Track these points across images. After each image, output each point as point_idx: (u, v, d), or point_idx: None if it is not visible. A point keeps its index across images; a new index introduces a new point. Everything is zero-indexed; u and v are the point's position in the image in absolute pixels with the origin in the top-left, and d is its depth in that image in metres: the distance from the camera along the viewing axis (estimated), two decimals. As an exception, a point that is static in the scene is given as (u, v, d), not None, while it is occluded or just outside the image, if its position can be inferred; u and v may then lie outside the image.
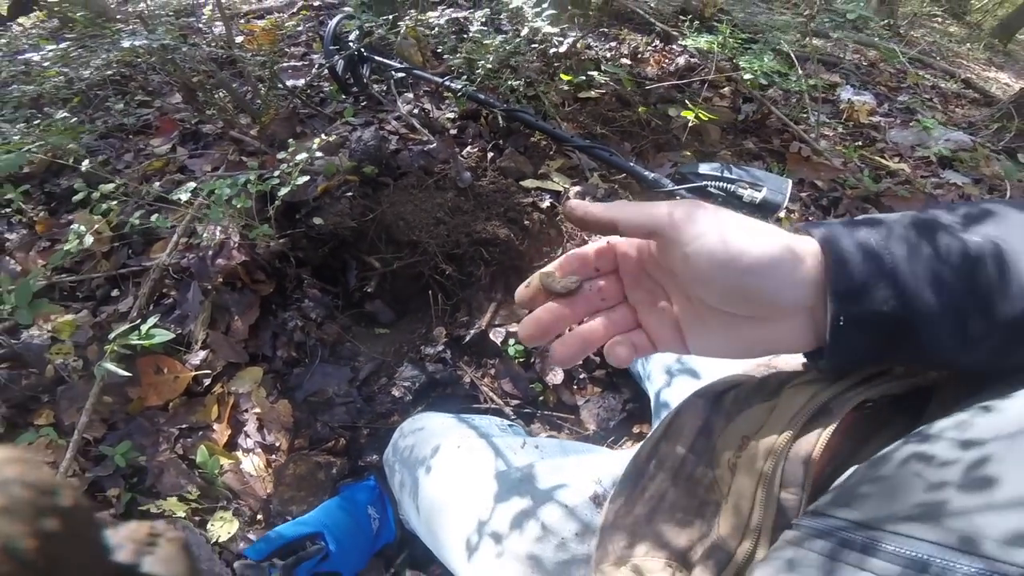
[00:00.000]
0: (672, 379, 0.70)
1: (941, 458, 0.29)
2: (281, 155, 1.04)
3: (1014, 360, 0.31)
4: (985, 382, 0.37)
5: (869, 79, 2.06)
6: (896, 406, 0.40)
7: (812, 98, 1.55)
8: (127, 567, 0.16)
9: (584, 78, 1.41)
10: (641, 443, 0.53)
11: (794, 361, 0.50)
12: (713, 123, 1.54)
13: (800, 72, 1.48)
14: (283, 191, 0.97)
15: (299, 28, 2.07)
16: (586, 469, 0.60)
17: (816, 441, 0.37)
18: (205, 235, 1.09)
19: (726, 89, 1.73)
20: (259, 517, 0.94)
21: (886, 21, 2.58)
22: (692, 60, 1.81)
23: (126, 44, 1.28)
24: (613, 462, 0.60)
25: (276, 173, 1.01)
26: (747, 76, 1.32)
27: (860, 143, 1.70)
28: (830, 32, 1.78)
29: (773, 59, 1.47)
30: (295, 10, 2.24)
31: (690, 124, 1.37)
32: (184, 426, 1.00)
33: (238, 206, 0.93)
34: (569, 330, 0.40)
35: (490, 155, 1.41)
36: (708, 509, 0.42)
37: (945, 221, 0.33)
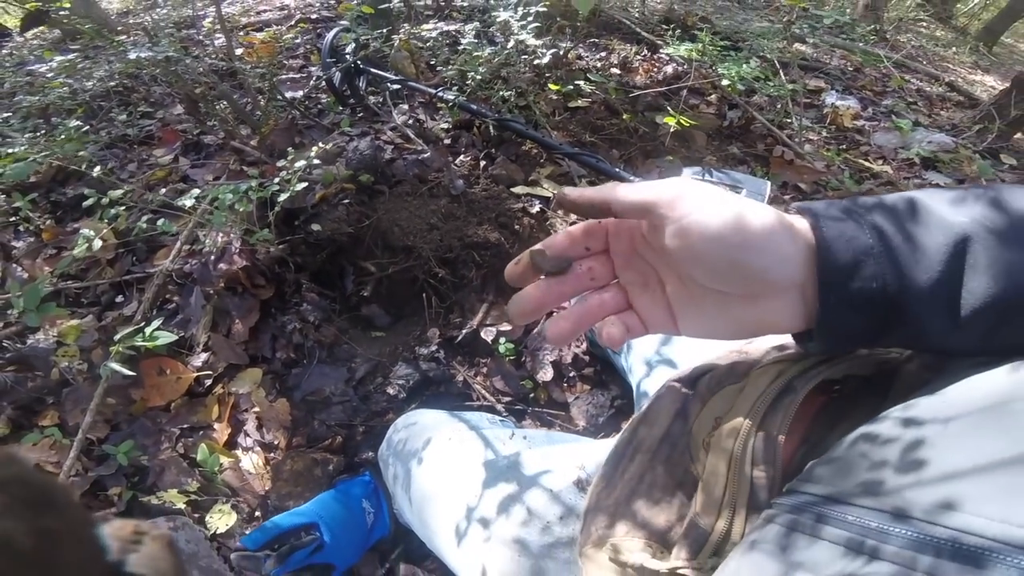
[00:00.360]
0: (652, 370, 0.73)
1: (884, 438, 0.31)
2: (281, 163, 1.08)
3: (1004, 341, 0.32)
4: (945, 366, 0.39)
5: (854, 84, 2.11)
6: (865, 389, 0.42)
7: (795, 103, 1.59)
8: (114, 565, 0.16)
9: (572, 87, 1.45)
10: (623, 429, 0.55)
11: (765, 346, 0.52)
12: (699, 129, 1.58)
13: (783, 78, 1.53)
14: (283, 197, 1.01)
15: (297, 41, 2.11)
16: (571, 456, 0.62)
17: (781, 418, 0.39)
18: (208, 241, 1.13)
19: (712, 96, 1.77)
20: (257, 513, 0.96)
21: (872, 26, 2.63)
22: (680, 69, 1.85)
23: (132, 56, 1.33)
24: (597, 449, 0.62)
25: (276, 180, 1.05)
26: (725, 82, 1.37)
27: (844, 146, 1.74)
28: (807, 37, 1.82)
29: (758, 66, 1.52)
30: (293, 23, 2.29)
31: (674, 130, 1.42)
32: (185, 426, 1.03)
33: (240, 210, 0.96)
34: (558, 310, 0.40)
35: (482, 163, 1.45)
36: (686, 490, 0.44)
37: (931, 202, 0.33)
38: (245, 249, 1.12)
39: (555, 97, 1.57)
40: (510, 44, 1.34)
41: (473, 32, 1.52)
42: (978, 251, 0.31)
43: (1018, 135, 1.89)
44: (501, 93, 1.47)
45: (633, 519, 0.45)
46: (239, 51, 1.85)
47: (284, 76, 1.85)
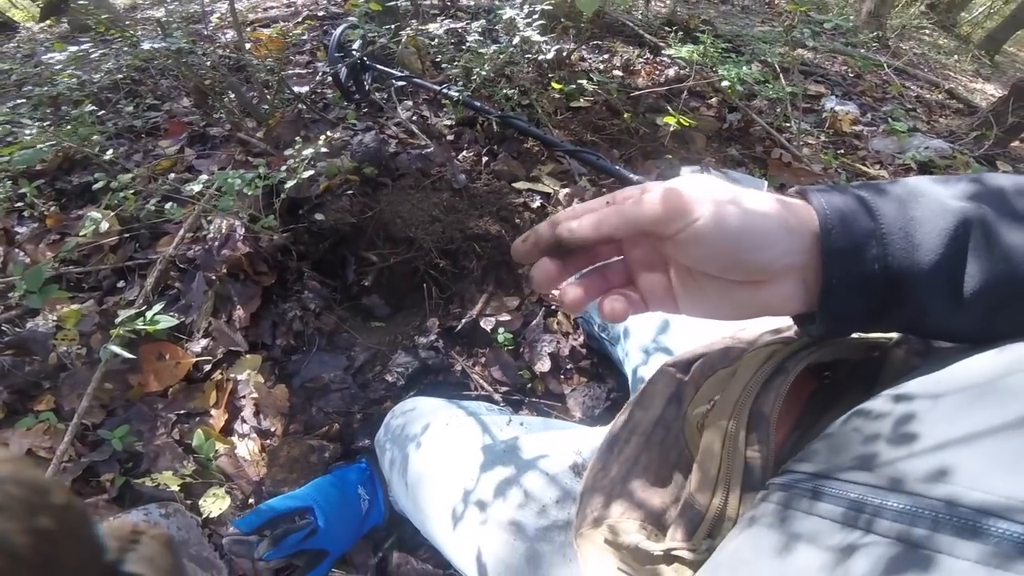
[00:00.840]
0: (648, 357, 0.73)
1: (876, 413, 0.32)
2: (288, 152, 1.09)
3: (1002, 326, 0.32)
4: (932, 352, 0.40)
5: (853, 90, 2.13)
6: (854, 377, 0.43)
7: (794, 106, 1.61)
8: (112, 565, 0.16)
9: (574, 87, 1.47)
10: (619, 413, 0.55)
11: (758, 331, 0.52)
12: (699, 131, 1.60)
13: (783, 82, 1.54)
14: (289, 184, 1.02)
15: (304, 37, 2.13)
16: (568, 441, 0.63)
17: (773, 398, 0.39)
18: (212, 227, 1.14)
19: (713, 99, 1.79)
20: (251, 500, 0.96)
21: (875, 33, 2.65)
22: (682, 72, 1.87)
23: (146, 46, 1.35)
24: (593, 436, 0.62)
25: (283, 168, 1.06)
26: (724, 84, 1.38)
27: (842, 151, 1.75)
28: (807, 41, 1.84)
29: (758, 70, 1.53)
30: (300, 20, 2.31)
31: (674, 131, 1.43)
32: (182, 411, 1.03)
33: (249, 193, 0.97)
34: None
35: (484, 159, 1.46)
36: (681, 473, 0.44)
37: (929, 187, 0.34)
38: (249, 236, 1.13)
39: (557, 96, 1.58)
40: (515, 41, 1.36)
41: (479, 30, 1.54)
42: (978, 234, 0.31)
43: (1015, 143, 1.91)
44: (504, 91, 1.49)
45: (629, 499, 0.45)
46: (247, 46, 1.87)
47: (291, 71, 1.87)
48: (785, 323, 0.52)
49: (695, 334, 0.68)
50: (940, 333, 0.36)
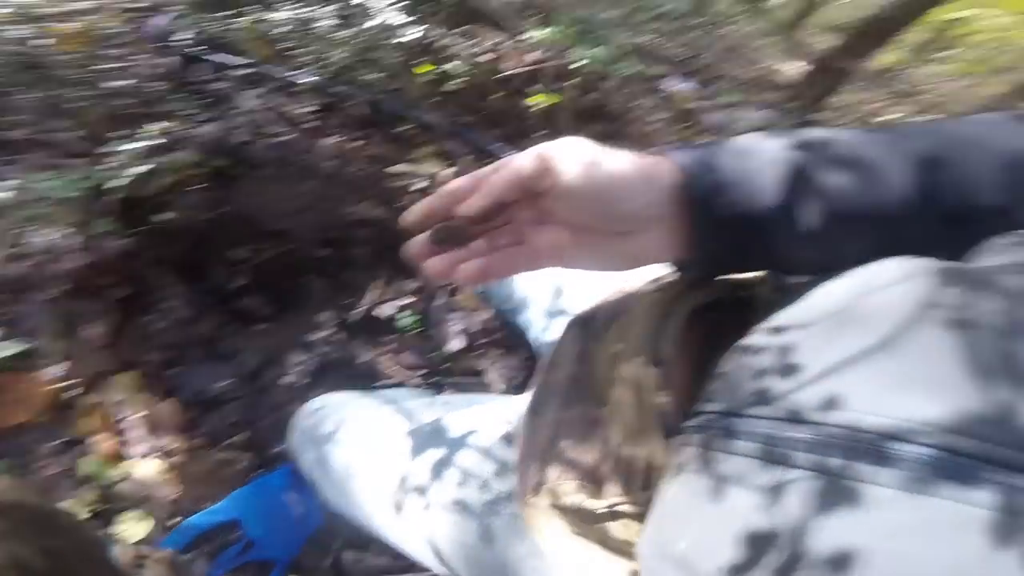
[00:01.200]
0: (550, 321, 0.76)
1: (756, 347, 0.34)
2: (111, 149, 0.97)
3: (848, 254, 0.35)
4: (789, 286, 0.44)
5: (690, 70, 2.39)
6: (732, 316, 0.45)
7: (645, 87, 1.77)
8: None
9: (441, 70, 1.48)
10: (533, 378, 0.58)
11: (640, 283, 0.56)
12: (564, 110, 1.70)
13: (631, 62, 1.70)
14: (113, 184, 0.91)
15: (124, 30, 1.85)
16: (494, 413, 0.64)
17: (666, 342, 0.42)
18: (36, 239, 0.99)
19: (575, 80, 1.91)
20: (177, 518, 0.86)
21: (704, 18, 2.94)
22: (547, 54, 1.96)
23: None
24: (519, 404, 0.62)
25: (104, 167, 0.94)
26: (582, 62, 1.49)
27: (685, 125, 1.98)
28: (648, 24, 2.04)
29: (612, 51, 1.67)
30: (114, 12, 1.99)
31: (542, 110, 1.51)
32: (63, 440, 0.89)
33: (70, 196, 0.86)
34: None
35: (356, 143, 1.41)
36: (603, 427, 0.45)
37: (763, 142, 0.39)
38: (89, 245, 0.99)
39: (428, 80, 1.58)
40: (370, 23, 1.33)
41: (332, 14, 1.47)
42: (803, 179, 0.37)
43: (825, 111, 2.28)
44: (368, 76, 1.44)
45: (561, 460, 0.46)
46: (47, 41, 1.59)
47: (108, 66, 1.62)
48: (663, 273, 0.59)
49: (588, 293, 0.73)
50: (796, 266, 0.41)
